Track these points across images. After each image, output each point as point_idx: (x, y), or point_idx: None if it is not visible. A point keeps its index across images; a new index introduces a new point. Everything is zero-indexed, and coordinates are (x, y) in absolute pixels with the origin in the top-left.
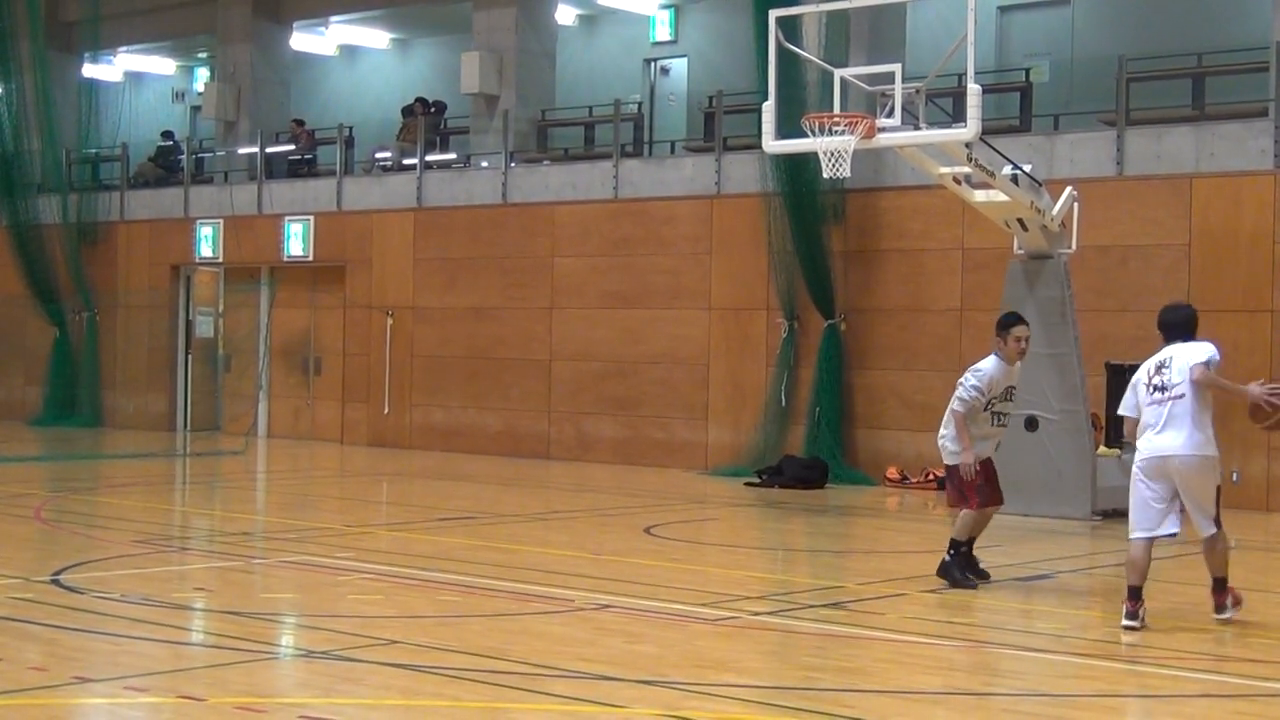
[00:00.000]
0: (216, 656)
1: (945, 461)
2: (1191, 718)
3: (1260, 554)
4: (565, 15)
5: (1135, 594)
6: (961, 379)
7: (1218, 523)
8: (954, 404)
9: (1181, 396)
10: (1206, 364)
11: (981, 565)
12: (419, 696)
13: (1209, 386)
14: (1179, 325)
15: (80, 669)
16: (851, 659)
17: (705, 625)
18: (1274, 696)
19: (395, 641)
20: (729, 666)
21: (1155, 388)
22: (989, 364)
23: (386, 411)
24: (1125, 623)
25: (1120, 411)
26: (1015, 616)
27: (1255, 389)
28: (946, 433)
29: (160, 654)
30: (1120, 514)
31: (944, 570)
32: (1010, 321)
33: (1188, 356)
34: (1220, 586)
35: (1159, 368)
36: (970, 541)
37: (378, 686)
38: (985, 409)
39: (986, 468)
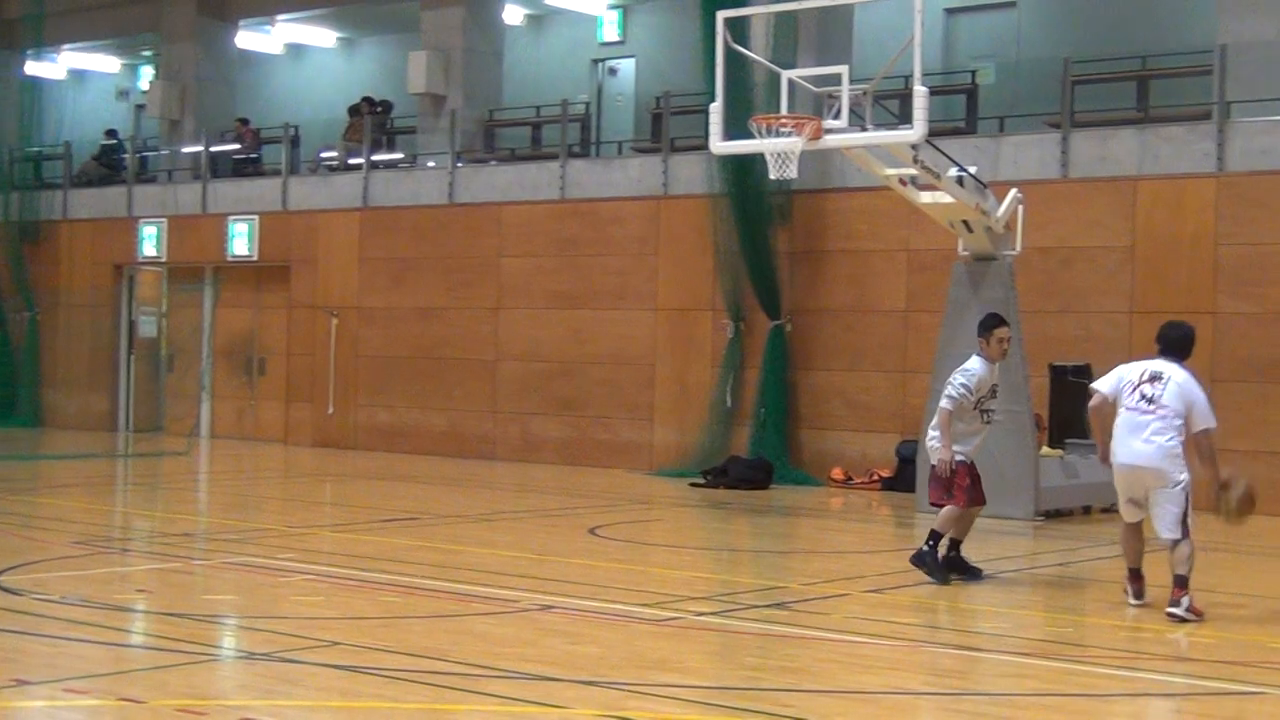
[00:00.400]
0: (157, 659)
1: (930, 460)
2: (1131, 716)
3: (1200, 554)
4: (513, 15)
5: (1133, 575)
6: (950, 379)
7: (1185, 530)
8: (942, 402)
9: (1166, 417)
10: (1208, 432)
11: (972, 562)
12: (359, 698)
13: (1205, 460)
14: (1176, 342)
15: (19, 671)
16: (794, 659)
17: (648, 626)
18: (1213, 695)
19: (336, 643)
20: (671, 667)
21: (1144, 397)
22: (975, 364)
23: (331, 412)
24: (1131, 602)
25: (1095, 385)
26: (957, 616)
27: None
28: (935, 432)
29: (100, 656)
30: (1061, 514)
31: (918, 558)
32: (992, 323)
33: (1190, 398)
34: (1179, 583)
35: (1153, 378)
36: (956, 544)
37: (318, 688)
38: (974, 408)
39: (972, 469)
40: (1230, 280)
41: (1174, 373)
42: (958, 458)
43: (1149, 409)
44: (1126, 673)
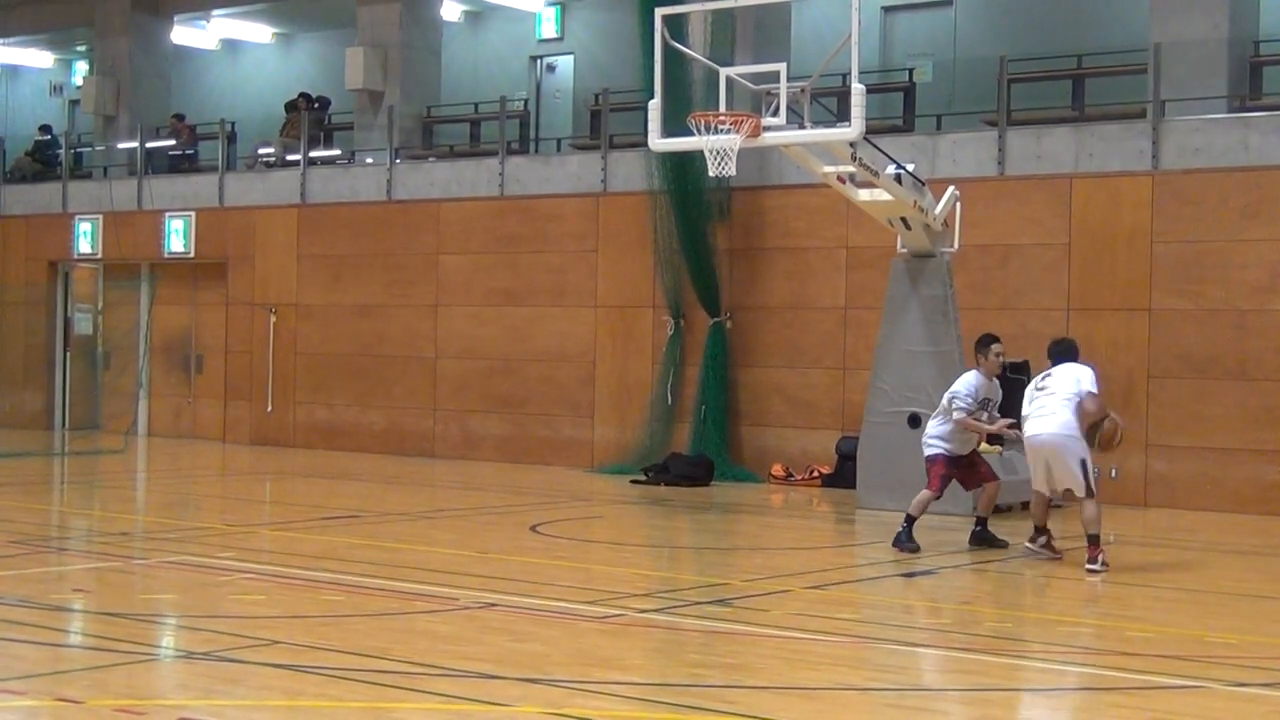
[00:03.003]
0: (95, 658)
1: (924, 453)
2: (1071, 710)
3: (1138, 549)
4: (451, 11)
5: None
6: (952, 395)
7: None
8: (955, 415)
9: (1053, 394)
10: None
11: (1000, 536)
12: (301, 697)
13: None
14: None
15: None
16: (736, 655)
17: (591, 623)
18: (1151, 689)
19: (277, 642)
20: (614, 664)
21: (1037, 388)
22: (972, 378)
23: (269, 410)
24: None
25: None
26: (898, 612)
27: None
28: (932, 433)
29: (37, 656)
30: (1000, 510)
31: (895, 540)
32: (988, 341)
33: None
34: (1093, 542)
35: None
36: (983, 520)
37: (259, 687)
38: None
39: (957, 461)
40: (1166, 277)
41: (1061, 368)
42: (940, 450)
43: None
44: (1067, 667)
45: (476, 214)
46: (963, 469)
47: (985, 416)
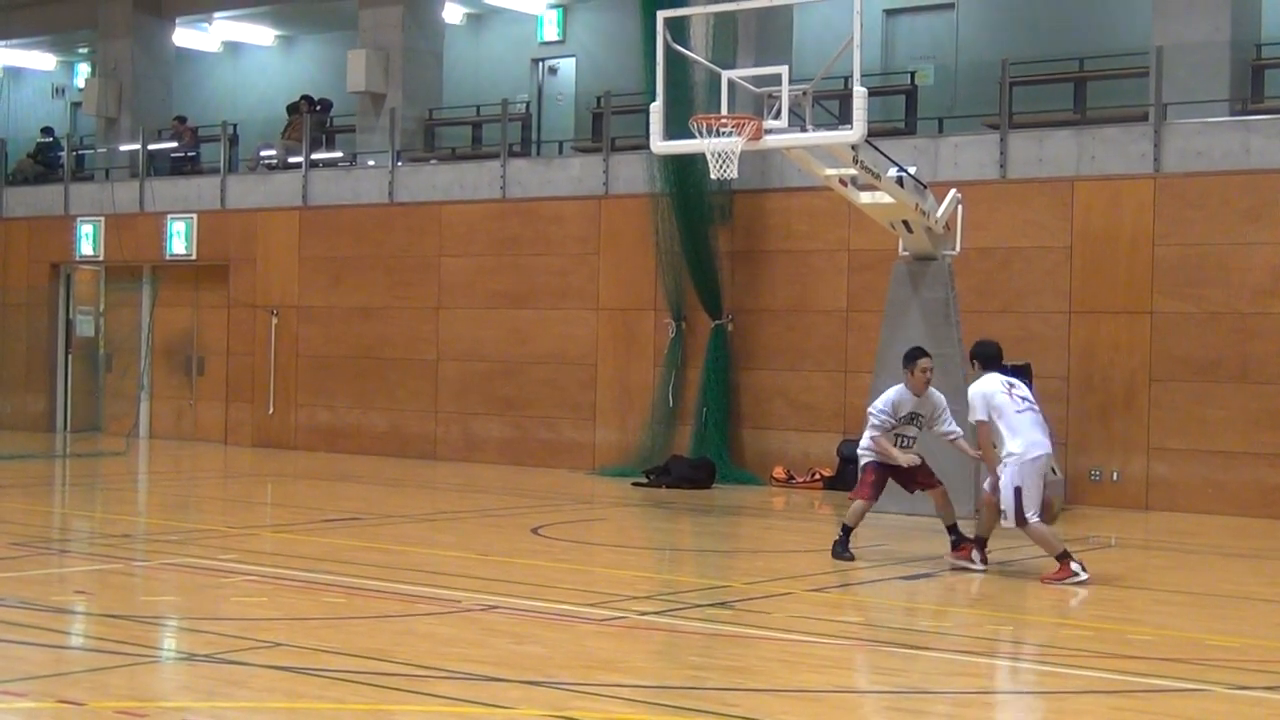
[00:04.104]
0: (97, 660)
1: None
2: (1072, 713)
3: (1140, 552)
4: (453, 14)
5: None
6: (870, 409)
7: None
8: (869, 431)
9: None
10: None
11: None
12: (303, 699)
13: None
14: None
15: None
16: (738, 658)
17: (592, 625)
18: (1152, 692)
19: (279, 644)
20: (616, 666)
21: (1023, 398)
22: (892, 393)
23: (271, 412)
24: (1084, 576)
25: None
26: (898, 614)
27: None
28: (863, 444)
29: (39, 658)
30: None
31: (833, 548)
32: (915, 355)
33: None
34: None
35: (1013, 385)
36: (952, 527)
37: (261, 689)
38: (891, 430)
39: (898, 473)
40: (1167, 280)
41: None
42: (870, 458)
43: (1026, 407)
44: (1067, 670)
45: (478, 216)
46: (901, 475)
47: (914, 432)
